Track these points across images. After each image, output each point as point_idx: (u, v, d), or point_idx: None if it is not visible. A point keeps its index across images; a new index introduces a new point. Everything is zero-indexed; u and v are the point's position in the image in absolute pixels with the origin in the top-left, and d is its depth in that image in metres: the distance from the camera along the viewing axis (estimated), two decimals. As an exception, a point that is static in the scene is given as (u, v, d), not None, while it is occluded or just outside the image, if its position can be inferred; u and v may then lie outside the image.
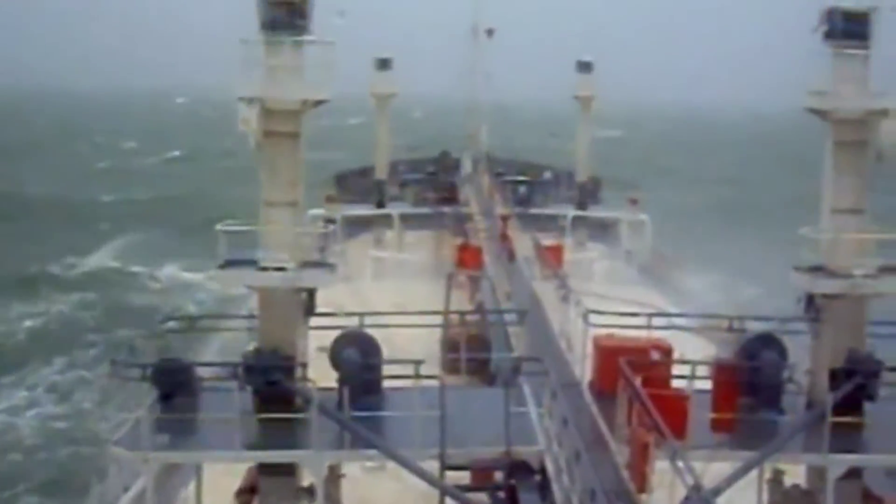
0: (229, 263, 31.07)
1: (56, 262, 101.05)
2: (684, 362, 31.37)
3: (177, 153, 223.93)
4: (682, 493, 24.87)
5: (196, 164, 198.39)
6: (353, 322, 33.61)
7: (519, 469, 28.03)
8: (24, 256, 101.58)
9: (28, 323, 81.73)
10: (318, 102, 30.67)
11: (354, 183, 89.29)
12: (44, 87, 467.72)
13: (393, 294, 58.49)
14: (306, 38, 30.49)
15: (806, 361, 33.00)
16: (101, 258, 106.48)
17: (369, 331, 32.41)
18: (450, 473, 28.01)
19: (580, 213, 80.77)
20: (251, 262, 30.76)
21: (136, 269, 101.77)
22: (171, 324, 35.90)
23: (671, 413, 27.74)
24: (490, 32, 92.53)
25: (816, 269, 31.85)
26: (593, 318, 37.41)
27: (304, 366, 30.62)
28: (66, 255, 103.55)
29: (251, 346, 31.66)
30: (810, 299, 32.08)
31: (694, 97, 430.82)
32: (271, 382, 29.72)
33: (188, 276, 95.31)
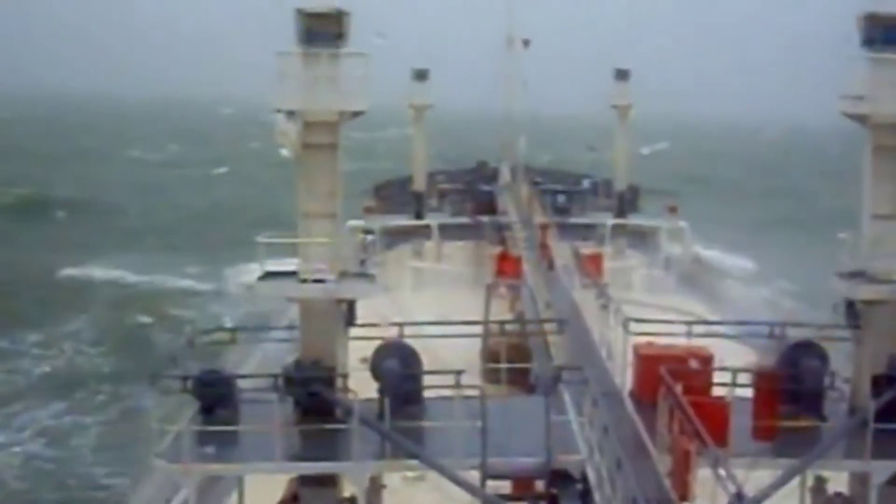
0: (269, 275, 31.19)
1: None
2: (725, 370, 31.25)
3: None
4: (723, 501, 24.71)
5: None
6: (393, 333, 33.65)
7: (560, 478, 27.99)
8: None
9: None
10: (356, 114, 30.77)
11: (393, 194, 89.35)
12: (92, 92, 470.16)
13: (432, 304, 58.53)
14: (343, 50, 30.60)
15: (847, 368, 32.86)
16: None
17: (409, 341, 32.46)
18: (491, 483, 27.97)
19: (619, 221, 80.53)
20: (291, 274, 30.86)
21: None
22: (213, 335, 36.02)
23: (712, 421, 27.63)
24: (526, 43, 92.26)
25: (857, 275, 31.71)
26: (633, 327, 37.32)
27: (345, 377, 30.68)
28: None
29: (292, 358, 31.77)
30: (851, 305, 31.93)
31: (733, 108, 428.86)
32: (312, 394, 29.82)
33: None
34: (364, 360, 32.53)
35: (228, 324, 66.67)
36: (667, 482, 27.87)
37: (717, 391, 30.97)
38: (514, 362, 41.09)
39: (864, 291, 31.34)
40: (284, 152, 30.66)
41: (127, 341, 79.39)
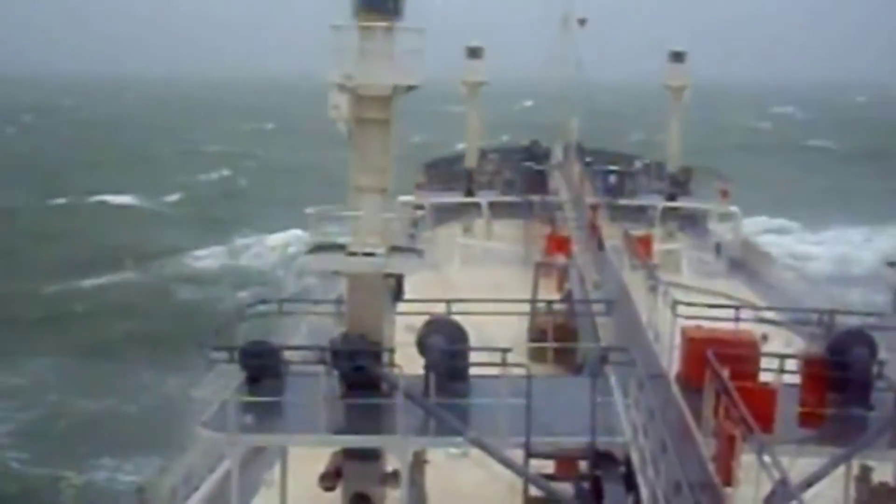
0: (318, 248, 31.25)
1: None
2: (773, 355, 31.09)
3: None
4: (768, 487, 24.65)
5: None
6: (440, 309, 33.67)
7: (604, 460, 27.93)
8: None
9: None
10: (409, 88, 30.74)
11: (444, 171, 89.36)
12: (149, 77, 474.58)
13: (481, 282, 58.51)
14: (398, 23, 30.56)
15: None
16: None
17: (457, 318, 32.46)
18: (534, 462, 27.97)
19: (670, 203, 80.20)
20: (340, 247, 30.92)
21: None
22: (260, 307, 36.15)
23: (759, 406, 27.49)
24: (583, 22, 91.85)
25: None
26: (681, 310, 37.19)
27: (392, 351, 30.73)
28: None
29: (339, 331, 31.83)
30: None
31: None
32: (358, 367, 29.86)
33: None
34: (410, 328, 32.60)
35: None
36: (711, 467, 27.80)
37: (764, 377, 30.83)
38: (560, 342, 41.04)
39: None
40: (340, 127, 30.70)
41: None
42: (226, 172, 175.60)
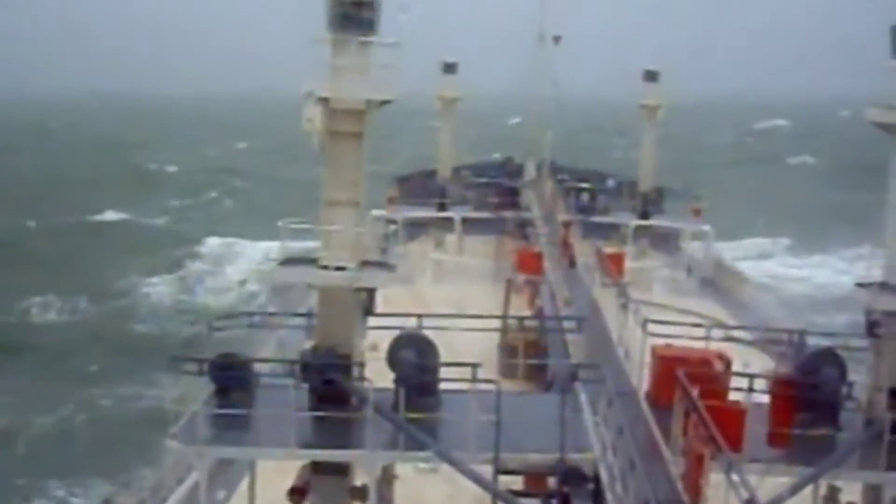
0: (290, 261, 31.20)
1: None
2: (742, 375, 31.17)
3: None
4: (736, 506, 24.71)
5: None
6: (411, 323, 33.65)
7: (573, 476, 27.94)
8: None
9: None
10: (383, 102, 30.74)
11: (417, 185, 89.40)
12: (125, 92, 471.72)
13: (452, 297, 58.50)
14: (373, 38, 30.58)
15: (866, 379, 32.75)
16: None
17: (427, 333, 32.44)
18: (503, 478, 27.97)
19: (642, 222, 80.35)
20: (312, 260, 30.88)
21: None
22: (230, 320, 36.06)
23: (728, 425, 27.56)
24: (557, 39, 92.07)
25: (879, 286, 31.57)
26: (652, 328, 37.28)
27: (362, 365, 30.69)
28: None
29: (309, 344, 31.78)
30: (871, 316, 31.80)
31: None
32: (328, 381, 29.84)
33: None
34: (373, 348, 32.58)
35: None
36: (679, 485, 27.86)
37: (734, 396, 30.90)
38: (531, 358, 41.10)
39: (885, 302, 31.20)
40: (314, 141, 30.67)
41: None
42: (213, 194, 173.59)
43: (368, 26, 30.62)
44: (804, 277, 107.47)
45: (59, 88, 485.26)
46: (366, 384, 29.81)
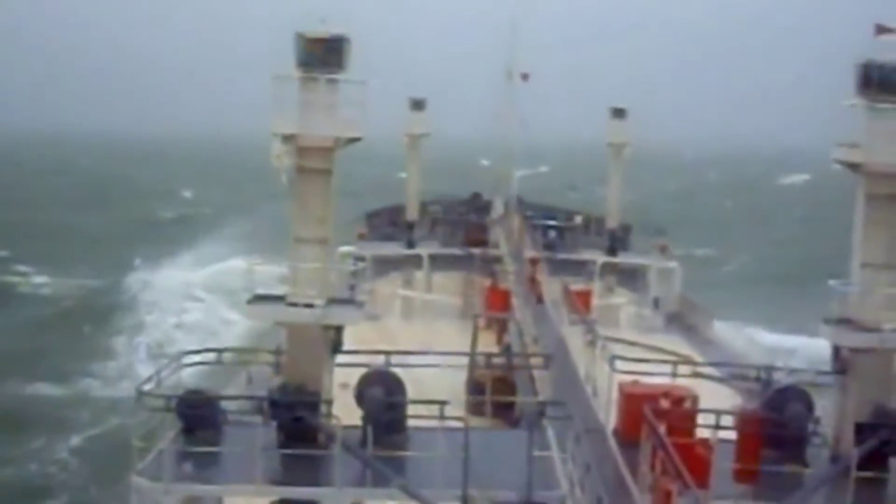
0: (259, 298, 31.21)
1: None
2: (709, 411, 31.26)
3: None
4: (703, 542, 24.75)
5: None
6: (379, 361, 33.65)
7: (540, 513, 27.94)
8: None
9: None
10: (351, 140, 30.83)
11: (385, 221, 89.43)
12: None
13: (420, 334, 58.54)
14: (341, 76, 30.70)
15: (832, 415, 32.90)
16: None
17: (395, 370, 32.46)
18: None
19: (609, 259, 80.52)
20: (281, 298, 30.89)
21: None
22: (199, 355, 35.99)
23: (695, 462, 27.63)
24: (525, 77, 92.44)
25: (844, 322, 31.75)
26: (619, 365, 37.35)
27: (329, 402, 30.68)
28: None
29: (277, 381, 31.74)
30: (837, 352, 31.97)
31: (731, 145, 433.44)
32: (296, 418, 29.82)
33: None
34: (344, 386, 32.58)
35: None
36: (647, 521, 27.90)
37: (701, 433, 30.97)
38: (498, 395, 41.07)
39: (851, 339, 31.39)
40: (282, 178, 30.73)
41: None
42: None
43: (337, 64, 30.74)
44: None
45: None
46: (334, 421, 29.79)
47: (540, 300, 62.81)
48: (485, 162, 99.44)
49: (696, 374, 39.92)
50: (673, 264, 79.06)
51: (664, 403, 32.46)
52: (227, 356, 37.74)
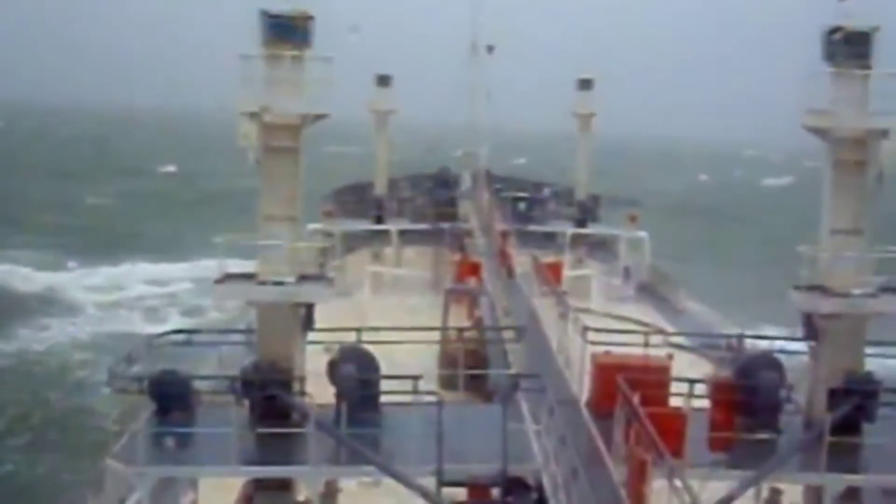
0: (228, 277, 31.09)
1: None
2: (682, 380, 31.32)
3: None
4: (679, 511, 24.80)
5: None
6: (351, 337, 33.57)
7: (516, 486, 27.93)
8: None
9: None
10: (318, 117, 30.70)
11: (353, 198, 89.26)
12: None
13: (391, 309, 58.45)
14: (307, 52, 30.55)
15: (804, 381, 33.00)
16: None
17: (367, 346, 32.39)
18: (446, 490, 27.88)
19: (579, 230, 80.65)
20: (250, 277, 30.77)
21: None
22: (169, 337, 35.86)
23: (669, 431, 27.68)
24: (490, 49, 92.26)
25: (815, 289, 31.81)
26: (591, 336, 37.39)
27: (302, 380, 30.61)
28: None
29: (250, 361, 31.65)
30: (808, 319, 32.04)
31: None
32: (269, 397, 29.74)
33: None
34: (328, 350, 32.59)
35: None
36: (622, 492, 27.94)
37: (674, 402, 31.03)
38: (471, 369, 41.07)
39: (822, 305, 31.45)
40: (250, 156, 30.60)
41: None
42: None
43: (302, 41, 30.59)
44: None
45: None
46: (307, 399, 29.74)
47: (511, 273, 62.81)
48: (458, 152, 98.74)
49: (669, 344, 39.99)
50: (643, 234, 79.21)
51: (658, 372, 32.62)
52: (198, 337, 37.62)
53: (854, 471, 29.62)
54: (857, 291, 31.53)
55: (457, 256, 66.36)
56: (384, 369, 31.60)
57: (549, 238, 79.43)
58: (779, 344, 36.78)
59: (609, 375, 32.62)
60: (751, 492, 28.87)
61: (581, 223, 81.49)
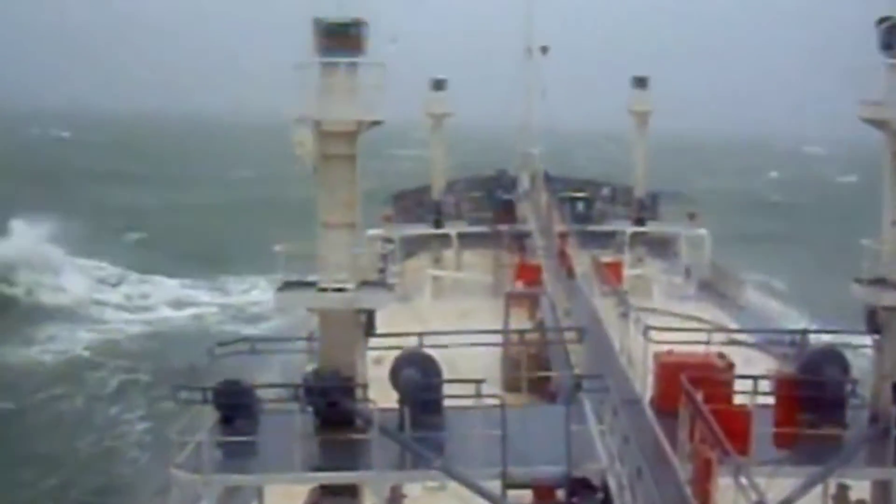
0: (289, 285, 31.20)
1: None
2: (746, 377, 31.13)
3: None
4: (746, 509, 24.67)
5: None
6: (412, 342, 33.63)
7: (581, 487, 27.87)
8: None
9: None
10: (373, 123, 30.78)
11: (412, 203, 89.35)
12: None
13: (452, 313, 58.50)
14: (361, 59, 30.63)
15: (869, 375, 32.73)
16: None
17: (429, 350, 32.42)
18: (512, 492, 27.90)
19: (638, 228, 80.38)
20: (311, 284, 30.88)
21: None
22: (232, 346, 36.04)
23: (733, 429, 27.53)
24: (545, 50, 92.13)
25: (878, 282, 31.54)
26: (653, 335, 37.27)
27: (365, 386, 30.68)
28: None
29: (311, 368, 31.76)
30: (872, 312, 31.76)
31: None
32: (332, 403, 29.83)
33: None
34: (377, 361, 32.60)
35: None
36: (688, 490, 27.82)
37: (738, 399, 30.88)
38: (534, 371, 41.06)
39: (885, 298, 31.17)
40: (306, 163, 30.72)
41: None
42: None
43: (356, 47, 30.69)
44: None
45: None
46: (370, 405, 29.81)
47: (571, 274, 62.70)
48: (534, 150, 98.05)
49: (731, 341, 39.81)
50: (703, 231, 78.83)
51: (721, 369, 32.48)
52: (260, 345, 37.79)
53: None
54: (920, 283, 31.26)
55: (516, 259, 66.35)
56: (446, 373, 31.64)
57: (609, 237, 79.24)
58: (843, 338, 36.49)
59: (672, 374, 32.50)
60: (818, 488, 28.72)
61: (640, 222, 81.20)
